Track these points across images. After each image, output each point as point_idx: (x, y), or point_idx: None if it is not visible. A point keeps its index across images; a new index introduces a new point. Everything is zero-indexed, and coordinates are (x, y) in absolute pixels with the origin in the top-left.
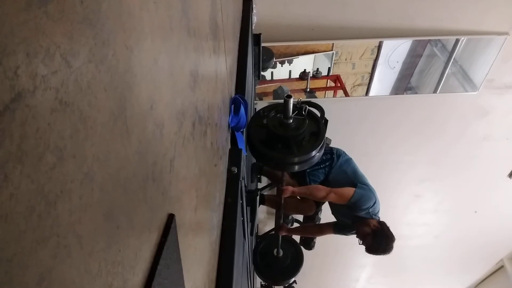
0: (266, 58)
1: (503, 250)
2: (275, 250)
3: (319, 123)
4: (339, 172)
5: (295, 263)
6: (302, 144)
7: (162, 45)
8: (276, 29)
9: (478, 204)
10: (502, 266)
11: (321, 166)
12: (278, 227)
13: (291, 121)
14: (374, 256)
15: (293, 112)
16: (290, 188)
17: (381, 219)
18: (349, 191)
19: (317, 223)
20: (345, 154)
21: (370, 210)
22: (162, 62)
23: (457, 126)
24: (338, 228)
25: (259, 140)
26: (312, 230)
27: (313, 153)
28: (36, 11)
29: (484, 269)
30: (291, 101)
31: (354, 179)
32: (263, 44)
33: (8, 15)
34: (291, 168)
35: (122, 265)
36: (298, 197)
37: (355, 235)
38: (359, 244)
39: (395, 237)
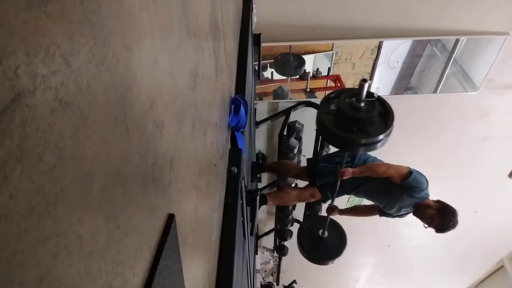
0: (297, 65)
1: (503, 250)
2: (321, 231)
3: (385, 103)
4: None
5: (338, 246)
6: (374, 125)
7: (162, 45)
8: (276, 29)
9: (478, 204)
10: (502, 266)
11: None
12: (330, 209)
13: (362, 104)
14: (374, 256)
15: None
16: (350, 169)
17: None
18: (404, 167)
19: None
20: (370, 155)
21: (427, 189)
22: (162, 62)
23: (457, 126)
24: (383, 212)
25: (333, 125)
26: (362, 210)
27: (388, 131)
28: (36, 11)
29: (484, 269)
30: (366, 84)
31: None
32: (263, 44)
33: (8, 15)
34: (357, 149)
35: (122, 265)
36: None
37: (419, 218)
38: (425, 227)
39: (395, 237)
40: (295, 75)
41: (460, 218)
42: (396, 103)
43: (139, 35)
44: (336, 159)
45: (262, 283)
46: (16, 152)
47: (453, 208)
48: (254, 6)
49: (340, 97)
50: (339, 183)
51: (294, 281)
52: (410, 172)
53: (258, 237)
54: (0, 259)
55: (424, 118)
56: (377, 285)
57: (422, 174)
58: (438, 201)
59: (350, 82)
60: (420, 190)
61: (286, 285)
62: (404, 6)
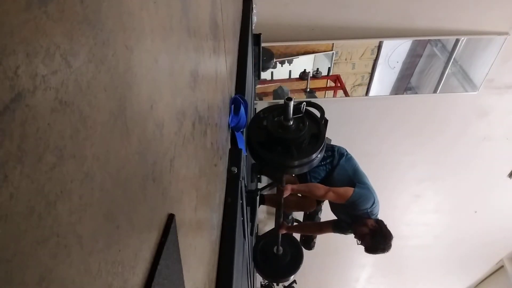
0: (266, 59)
1: (503, 250)
2: (275, 247)
3: (319, 125)
4: (341, 170)
5: (295, 261)
6: (301, 147)
7: (162, 45)
8: (276, 29)
9: (478, 204)
10: (502, 266)
11: (322, 163)
12: (278, 226)
13: (291, 123)
14: (374, 256)
15: (293, 114)
16: (289, 186)
17: (379, 219)
18: (347, 191)
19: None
20: (347, 152)
21: (369, 210)
22: (162, 62)
23: (457, 126)
24: (337, 226)
25: (258, 143)
26: (312, 228)
27: (313, 155)
28: (36, 11)
29: (484, 269)
30: (292, 103)
31: (354, 178)
32: (263, 44)
33: (8, 15)
34: (291, 171)
35: (122, 265)
36: (298, 194)
37: (353, 235)
38: (358, 244)
39: (395, 237)
40: (265, 69)
41: (460, 218)
42: (396, 103)
43: (139, 35)
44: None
45: (262, 283)
46: (16, 152)
47: (388, 233)
48: (254, 6)
49: (271, 113)
50: (282, 201)
51: (294, 281)
52: (352, 194)
53: (258, 236)
54: (0, 259)
55: (424, 118)
56: (377, 285)
57: (369, 197)
58: (377, 222)
59: (350, 82)
60: (359, 210)
61: (286, 285)
62: (404, 6)
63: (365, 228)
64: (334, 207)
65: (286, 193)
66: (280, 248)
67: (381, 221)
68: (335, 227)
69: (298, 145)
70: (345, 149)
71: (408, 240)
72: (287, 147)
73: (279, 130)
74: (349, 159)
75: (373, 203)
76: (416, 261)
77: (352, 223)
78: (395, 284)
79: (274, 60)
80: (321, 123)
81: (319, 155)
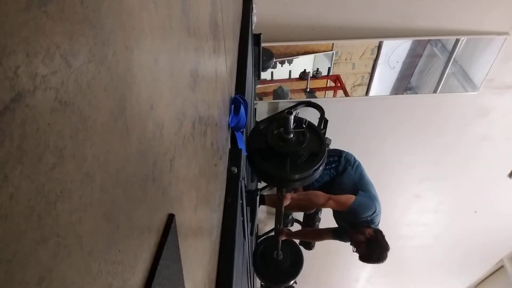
0: (266, 59)
1: (503, 250)
2: (275, 252)
3: (321, 143)
4: (346, 177)
5: (295, 266)
6: (297, 162)
7: (162, 45)
8: (276, 29)
9: (478, 204)
10: (502, 266)
11: (327, 167)
12: (278, 232)
13: (291, 136)
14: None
15: (294, 127)
16: (289, 195)
17: (379, 226)
18: (348, 198)
19: (317, 224)
20: (356, 159)
21: (369, 219)
22: (162, 62)
23: (457, 126)
24: (338, 234)
25: (256, 149)
26: (312, 234)
27: (309, 171)
28: (36, 11)
29: (484, 269)
30: (292, 117)
31: (359, 186)
32: (263, 44)
33: (8, 15)
34: (289, 185)
35: (122, 265)
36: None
37: (350, 240)
38: (353, 251)
39: (395, 237)
40: (265, 69)
41: (460, 218)
42: (396, 103)
43: (139, 35)
44: (329, 159)
45: (262, 283)
46: (16, 152)
47: (385, 244)
48: (254, 6)
49: (271, 124)
50: (282, 209)
51: (294, 281)
52: (352, 202)
53: (258, 237)
54: (0, 259)
55: (424, 118)
56: (377, 285)
57: (370, 206)
58: (375, 232)
59: (350, 82)
60: (359, 218)
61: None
62: (404, 6)
63: (361, 236)
64: (335, 214)
65: (286, 202)
66: (280, 253)
67: (380, 231)
68: (335, 234)
69: (294, 160)
70: (353, 156)
71: (408, 240)
72: (283, 160)
73: (278, 142)
74: (357, 166)
75: (374, 212)
76: (416, 261)
77: (350, 230)
78: (395, 284)
79: (274, 60)
80: (323, 141)
81: (316, 173)
